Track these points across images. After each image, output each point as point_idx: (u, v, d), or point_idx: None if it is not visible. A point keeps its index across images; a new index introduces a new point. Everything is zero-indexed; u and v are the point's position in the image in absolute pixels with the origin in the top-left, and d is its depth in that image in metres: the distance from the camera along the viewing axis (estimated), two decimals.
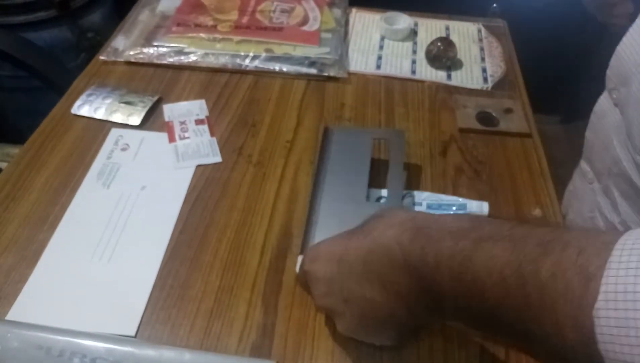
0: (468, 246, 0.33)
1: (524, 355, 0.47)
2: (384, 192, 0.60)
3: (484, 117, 0.73)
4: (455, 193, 0.63)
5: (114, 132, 0.69)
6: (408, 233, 0.37)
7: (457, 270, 0.33)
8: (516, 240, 0.32)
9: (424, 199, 0.61)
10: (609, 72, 0.54)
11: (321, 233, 0.56)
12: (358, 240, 0.40)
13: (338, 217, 0.57)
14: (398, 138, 0.65)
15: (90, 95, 0.74)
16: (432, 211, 0.60)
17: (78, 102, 0.72)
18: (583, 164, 0.57)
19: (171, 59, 0.80)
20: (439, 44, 0.81)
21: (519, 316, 0.31)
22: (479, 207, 0.59)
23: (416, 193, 0.61)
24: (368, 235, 0.39)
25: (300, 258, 0.54)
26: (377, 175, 0.63)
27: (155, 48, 0.81)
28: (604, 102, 0.54)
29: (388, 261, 0.37)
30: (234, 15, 0.87)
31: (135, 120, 0.70)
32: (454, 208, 0.59)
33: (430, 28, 0.91)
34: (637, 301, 0.25)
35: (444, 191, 0.63)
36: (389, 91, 0.78)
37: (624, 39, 0.52)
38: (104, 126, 0.70)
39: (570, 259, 0.28)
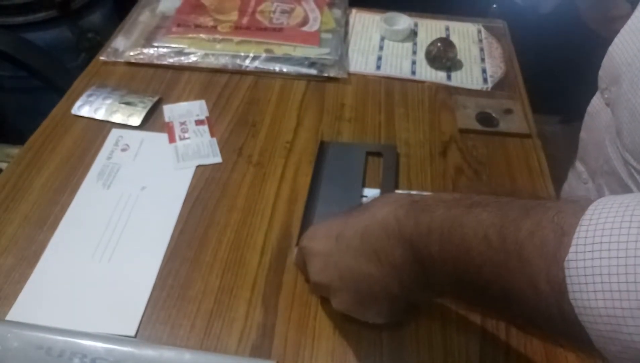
0: (459, 212, 0.35)
1: (524, 337, 0.48)
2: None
3: (484, 118, 0.73)
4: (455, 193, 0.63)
5: (114, 133, 0.69)
6: (404, 207, 0.38)
7: (447, 233, 0.35)
8: (503, 205, 0.34)
9: None
10: (601, 72, 0.54)
11: None
12: (356, 217, 0.42)
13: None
14: (390, 152, 0.67)
15: (90, 95, 0.74)
16: None
17: (78, 103, 0.72)
18: (577, 164, 0.58)
19: (171, 60, 0.80)
20: (439, 44, 0.81)
21: (499, 273, 0.32)
22: None
23: (416, 193, 0.61)
24: (366, 212, 0.41)
25: (296, 249, 0.54)
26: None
27: (156, 49, 0.81)
28: (596, 102, 0.55)
29: (384, 234, 0.39)
30: (234, 16, 0.87)
31: (136, 120, 0.71)
32: None
33: (430, 29, 0.91)
34: (603, 250, 0.26)
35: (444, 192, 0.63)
36: (389, 91, 0.78)
37: (616, 39, 0.53)
38: (104, 126, 0.70)
39: (548, 218, 0.30)
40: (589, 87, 0.59)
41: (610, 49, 0.53)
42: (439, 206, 0.37)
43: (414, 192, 0.42)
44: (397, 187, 0.63)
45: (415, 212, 0.37)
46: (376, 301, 0.43)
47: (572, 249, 0.27)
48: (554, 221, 0.29)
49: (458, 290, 0.38)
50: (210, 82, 0.78)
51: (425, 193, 0.42)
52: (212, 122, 0.71)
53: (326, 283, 0.44)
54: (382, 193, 0.61)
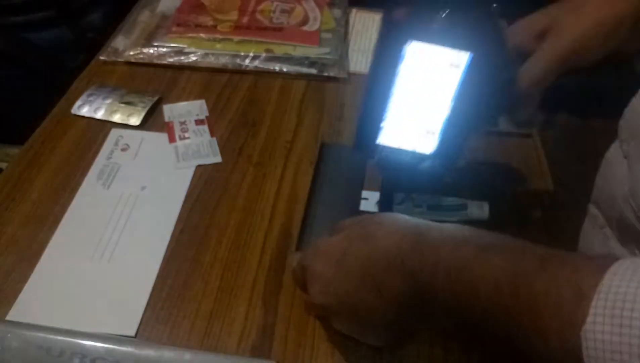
0: (469, 253, 0.34)
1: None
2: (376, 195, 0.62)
3: None
4: (455, 193, 0.63)
5: (114, 133, 0.69)
6: (409, 239, 0.37)
7: (455, 275, 0.34)
8: (516, 252, 0.32)
9: (425, 201, 0.61)
10: (621, 122, 0.49)
11: (315, 235, 0.58)
12: (358, 244, 0.41)
13: (331, 222, 0.59)
14: None
15: (90, 95, 0.74)
16: (432, 212, 0.60)
17: (78, 103, 0.72)
18: (592, 208, 0.54)
19: (171, 59, 0.80)
20: None
21: (507, 323, 0.31)
22: (479, 207, 0.59)
23: (416, 195, 0.61)
24: (368, 241, 0.40)
25: (295, 254, 0.54)
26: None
27: (155, 48, 0.81)
28: (614, 151, 0.50)
29: (386, 265, 0.38)
30: (234, 16, 0.87)
31: (135, 120, 0.71)
32: (455, 208, 0.59)
33: None
34: (624, 326, 0.25)
35: (444, 192, 0.63)
36: None
37: None
38: (104, 126, 0.70)
39: (565, 276, 0.29)
40: (589, 87, 0.58)
41: (634, 100, 0.47)
42: (446, 243, 0.35)
43: (419, 221, 0.40)
44: (396, 189, 0.62)
45: (420, 246, 0.36)
46: (375, 328, 0.43)
47: (589, 318, 0.26)
48: (571, 281, 0.28)
49: (460, 327, 0.37)
50: (210, 81, 0.78)
51: (430, 223, 0.40)
52: (212, 122, 0.71)
53: (326, 306, 0.44)
54: (381, 195, 0.61)
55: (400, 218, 0.41)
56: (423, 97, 0.46)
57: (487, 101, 0.46)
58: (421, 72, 0.44)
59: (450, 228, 0.37)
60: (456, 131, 0.47)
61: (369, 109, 0.48)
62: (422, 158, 0.50)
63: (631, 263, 0.28)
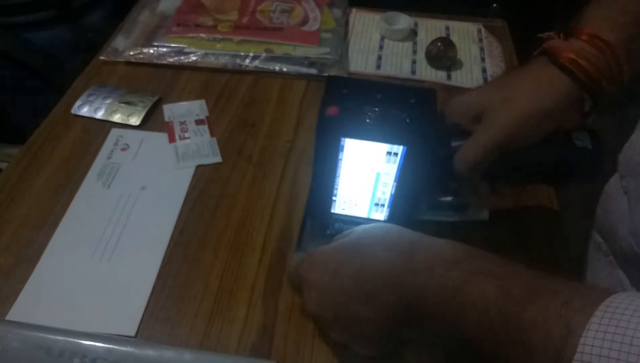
0: (459, 277, 0.34)
1: None
2: None
3: None
4: (455, 193, 0.63)
5: (114, 133, 0.69)
6: (402, 258, 0.37)
7: (445, 298, 0.34)
8: (505, 278, 0.32)
9: (425, 202, 0.61)
10: (621, 157, 0.49)
11: (315, 236, 0.57)
12: (352, 257, 0.41)
13: None
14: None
15: (90, 95, 0.74)
16: (432, 212, 0.60)
17: (78, 103, 0.72)
18: (596, 236, 0.53)
19: (171, 59, 0.80)
20: (439, 44, 0.81)
21: (497, 350, 0.31)
22: (479, 207, 0.59)
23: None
24: (362, 255, 0.40)
25: (295, 255, 0.54)
26: None
27: (155, 48, 0.81)
28: (614, 185, 0.49)
29: (379, 282, 0.38)
30: (234, 16, 0.87)
31: (135, 120, 0.71)
32: (455, 208, 0.59)
33: (430, 28, 0.91)
34: None
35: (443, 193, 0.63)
36: None
37: (639, 131, 0.46)
38: (104, 126, 0.70)
39: (555, 308, 0.28)
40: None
41: (633, 137, 0.47)
42: (437, 264, 0.35)
43: (412, 236, 0.39)
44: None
45: (412, 266, 0.36)
46: (370, 340, 0.43)
47: (577, 356, 0.26)
48: (560, 314, 0.28)
49: (450, 344, 0.37)
50: (210, 81, 0.78)
51: (427, 237, 0.39)
52: (212, 122, 0.71)
53: (320, 317, 0.44)
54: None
55: (394, 233, 0.40)
56: (367, 177, 0.48)
57: (429, 177, 0.49)
58: (361, 159, 0.46)
59: (443, 248, 0.37)
60: (404, 202, 0.49)
61: (319, 186, 0.50)
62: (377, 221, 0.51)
63: (625, 298, 0.27)
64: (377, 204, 0.50)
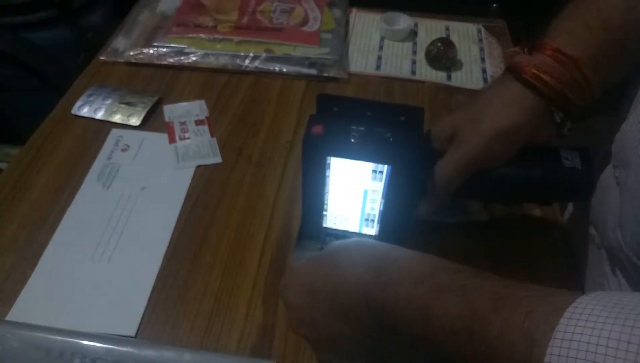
0: (424, 295, 0.34)
1: None
2: None
3: None
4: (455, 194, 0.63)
5: (114, 133, 0.69)
6: (371, 275, 0.37)
7: (412, 316, 0.34)
8: (470, 293, 0.32)
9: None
10: (613, 147, 0.48)
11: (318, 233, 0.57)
12: (325, 274, 0.41)
13: None
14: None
15: (90, 95, 0.74)
16: (433, 214, 0.60)
17: (78, 103, 0.72)
18: (591, 229, 0.53)
19: (171, 60, 0.80)
20: (438, 44, 0.81)
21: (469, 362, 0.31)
22: (479, 208, 0.59)
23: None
24: (334, 270, 0.40)
25: (294, 254, 0.55)
26: None
27: (156, 48, 0.81)
28: (608, 176, 0.49)
29: (352, 298, 0.38)
30: (234, 16, 0.87)
31: (136, 121, 0.71)
32: (455, 209, 0.59)
33: (430, 28, 0.91)
34: None
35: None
36: (389, 91, 0.78)
37: (630, 118, 0.46)
38: (104, 126, 0.70)
39: (518, 320, 0.28)
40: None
41: (623, 126, 0.47)
42: (404, 282, 0.35)
43: (383, 249, 0.40)
44: None
45: (382, 284, 0.36)
46: (355, 355, 0.42)
47: None
48: (523, 326, 0.28)
49: (429, 356, 0.37)
50: (210, 82, 0.78)
51: (398, 250, 0.39)
52: (212, 122, 0.71)
53: (304, 335, 0.44)
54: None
55: (366, 247, 0.40)
56: (355, 194, 0.49)
57: (414, 194, 0.50)
58: (348, 177, 0.47)
59: (410, 263, 0.37)
60: (394, 218, 0.49)
61: (310, 202, 0.50)
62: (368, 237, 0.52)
63: (589, 302, 0.27)
64: (367, 220, 0.51)
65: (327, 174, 0.47)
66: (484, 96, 0.48)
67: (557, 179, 0.49)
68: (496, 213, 0.56)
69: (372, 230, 0.52)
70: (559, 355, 0.26)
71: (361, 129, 0.44)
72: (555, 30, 0.47)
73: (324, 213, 0.51)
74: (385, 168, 0.45)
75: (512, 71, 0.47)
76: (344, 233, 0.52)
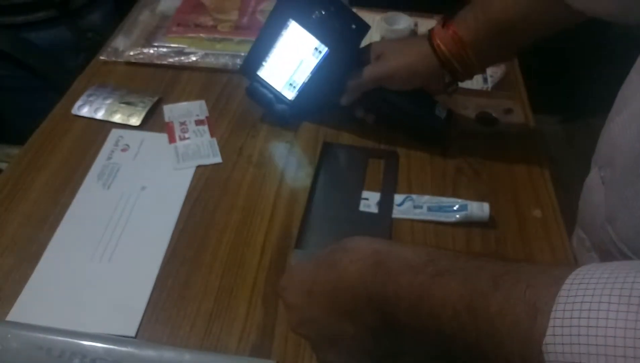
0: (426, 280, 0.34)
1: None
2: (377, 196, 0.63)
3: (484, 118, 0.73)
4: (455, 193, 0.63)
5: (114, 133, 0.69)
6: (370, 269, 0.38)
7: (415, 303, 0.34)
8: (470, 274, 0.33)
9: (425, 203, 0.61)
10: (599, 145, 0.51)
11: (315, 234, 0.59)
12: (324, 273, 0.41)
13: (331, 221, 0.61)
14: (392, 159, 0.67)
15: (90, 95, 0.74)
16: (432, 213, 0.60)
17: (78, 103, 0.72)
18: (578, 231, 0.55)
19: (171, 60, 0.80)
20: None
21: (470, 348, 0.31)
22: (480, 208, 0.59)
23: (416, 196, 0.61)
24: (333, 268, 0.40)
25: (294, 254, 0.55)
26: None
27: (156, 48, 0.81)
28: (593, 177, 0.51)
29: (353, 298, 0.38)
30: (234, 16, 0.87)
31: (136, 120, 0.71)
32: (455, 209, 0.59)
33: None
34: (581, 335, 0.25)
35: (444, 192, 0.63)
36: None
37: (617, 118, 0.48)
38: (104, 126, 0.70)
39: (519, 294, 0.29)
40: (589, 87, 0.58)
41: (611, 124, 0.49)
42: (405, 271, 0.36)
43: (380, 245, 0.40)
44: (396, 191, 0.63)
45: (382, 277, 0.37)
46: (356, 354, 0.42)
47: (549, 331, 0.26)
48: (525, 298, 0.28)
49: (436, 349, 0.37)
50: (210, 82, 0.78)
51: (395, 244, 0.40)
52: (212, 122, 0.71)
53: (304, 336, 0.44)
54: (382, 196, 0.62)
55: (364, 244, 0.41)
56: (294, 57, 0.66)
57: (333, 84, 0.66)
58: (295, 43, 0.65)
59: (408, 253, 0.37)
60: (310, 94, 0.67)
61: (258, 48, 0.67)
62: (282, 100, 0.69)
63: (588, 270, 0.27)
64: (290, 85, 0.68)
65: (282, 32, 0.65)
66: (411, 41, 0.71)
67: (423, 117, 0.67)
68: (495, 213, 0.56)
69: (291, 94, 0.68)
70: (563, 319, 0.26)
71: (323, 13, 0.63)
72: (459, 16, 0.61)
73: (263, 63, 0.67)
74: (325, 49, 0.64)
75: (429, 34, 0.62)
76: (269, 86, 0.68)
